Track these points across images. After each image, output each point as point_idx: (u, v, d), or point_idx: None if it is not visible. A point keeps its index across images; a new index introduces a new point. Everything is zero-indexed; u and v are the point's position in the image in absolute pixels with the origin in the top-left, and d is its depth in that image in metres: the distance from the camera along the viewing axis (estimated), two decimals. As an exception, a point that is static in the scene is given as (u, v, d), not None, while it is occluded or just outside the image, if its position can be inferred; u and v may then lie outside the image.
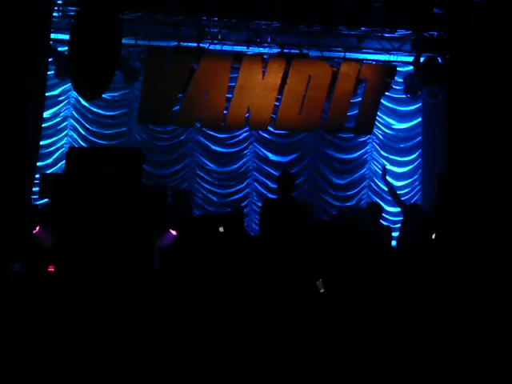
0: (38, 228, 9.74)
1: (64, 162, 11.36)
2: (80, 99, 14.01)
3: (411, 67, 13.79)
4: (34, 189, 11.73)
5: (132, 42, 13.02)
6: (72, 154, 8.72)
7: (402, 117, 15.44)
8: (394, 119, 15.41)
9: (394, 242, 12.37)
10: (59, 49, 12.79)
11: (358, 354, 4.02)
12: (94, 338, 5.12)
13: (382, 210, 11.19)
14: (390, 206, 14.64)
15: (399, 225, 14.10)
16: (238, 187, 14.92)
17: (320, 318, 5.10)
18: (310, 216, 9.38)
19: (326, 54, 13.60)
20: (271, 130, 14.28)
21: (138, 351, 4.96)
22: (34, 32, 10.91)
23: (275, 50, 13.40)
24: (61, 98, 14.20)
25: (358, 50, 13.72)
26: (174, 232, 10.35)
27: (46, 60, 11.77)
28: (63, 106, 14.33)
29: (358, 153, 15.37)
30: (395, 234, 11.39)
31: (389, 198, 14.55)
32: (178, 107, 13.21)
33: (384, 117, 15.27)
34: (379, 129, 15.25)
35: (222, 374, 4.30)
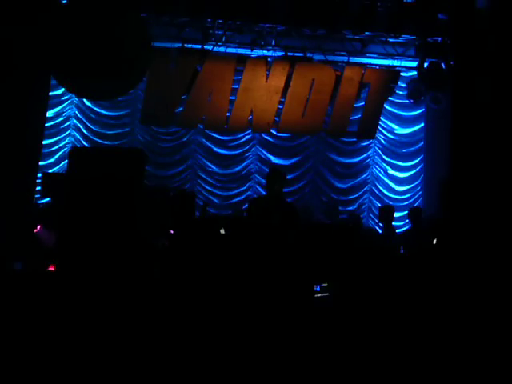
0: (39, 227, 9.74)
1: (66, 161, 11.36)
2: (83, 99, 14.03)
3: (415, 72, 13.79)
4: (35, 188, 11.75)
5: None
6: (74, 153, 8.71)
7: (404, 122, 15.45)
8: (396, 124, 15.41)
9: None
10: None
11: (359, 357, 4.02)
12: (93, 338, 5.11)
13: (394, 211, 11.09)
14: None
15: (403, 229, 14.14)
16: (239, 189, 14.92)
17: (320, 322, 5.09)
18: (296, 217, 9.01)
19: (330, 57, 13.60)
20: (274, 132, 14.29)
21: (136, 352, 4.96)
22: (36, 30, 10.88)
23: (279, 53, 13.41)
24: (64, 98, 14.22)
25: (362, 54, 13.71)
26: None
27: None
28: (66, 106, 14.35)
29: (361, 157, 15.38)
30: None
31: (390, 202, 14.56)
32: (181, 109, 13.23)
33: (387, 122, 15.28)
34: (382, 133, 15.27)
35: (219, 375, 4.30)
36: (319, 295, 5.60)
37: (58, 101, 14.11)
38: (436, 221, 10.14)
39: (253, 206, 8.61)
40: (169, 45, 13.05)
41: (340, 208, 14.89)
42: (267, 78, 13.20)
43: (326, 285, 5.72)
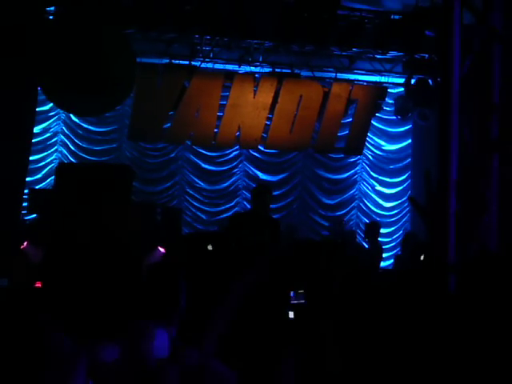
0: (25, 243, 9.68)
1: (53, 177, 11.32)
2: (71, 115, 14.00)
3: (402, 89, 13.85)
4: (22, 204, 11.70)
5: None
6: (61, 169, 8.69)
7: (392, 138, 15.50)
8: (384, 140, 15.46)
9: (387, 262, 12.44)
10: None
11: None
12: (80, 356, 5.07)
13: (380, 227, 11.12)
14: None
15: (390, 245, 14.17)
16: (227, 205, 14.90)
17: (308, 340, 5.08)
18: (278, 233, 8.80)
19: (318, 74, 13.63)
20: (261, 148, 14.29)
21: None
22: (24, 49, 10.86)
23: (267, 70, 13.43)
24: (51, 114, 14.16)
25: (350, 70, 13.76)
26: (162, 249, 10.29)
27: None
28: (53, 122, 14.30)
29: (348, 173, 15.40)
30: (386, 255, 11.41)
31: (377, 218, 14.57)
32: (168, 125, 13.21)
33: (374, 138, 15.32)
34: (369, 150, 15.30)
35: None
36: (295, 302, 5.57)
37: (45, 116, 14.06)
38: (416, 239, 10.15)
39: (238, 222, 8.52)
40: (156, 60, 13.04)
41: (327, 224, 14.89)
42: (255, 94, 13.21)
43: (302, 291, 5.67)
